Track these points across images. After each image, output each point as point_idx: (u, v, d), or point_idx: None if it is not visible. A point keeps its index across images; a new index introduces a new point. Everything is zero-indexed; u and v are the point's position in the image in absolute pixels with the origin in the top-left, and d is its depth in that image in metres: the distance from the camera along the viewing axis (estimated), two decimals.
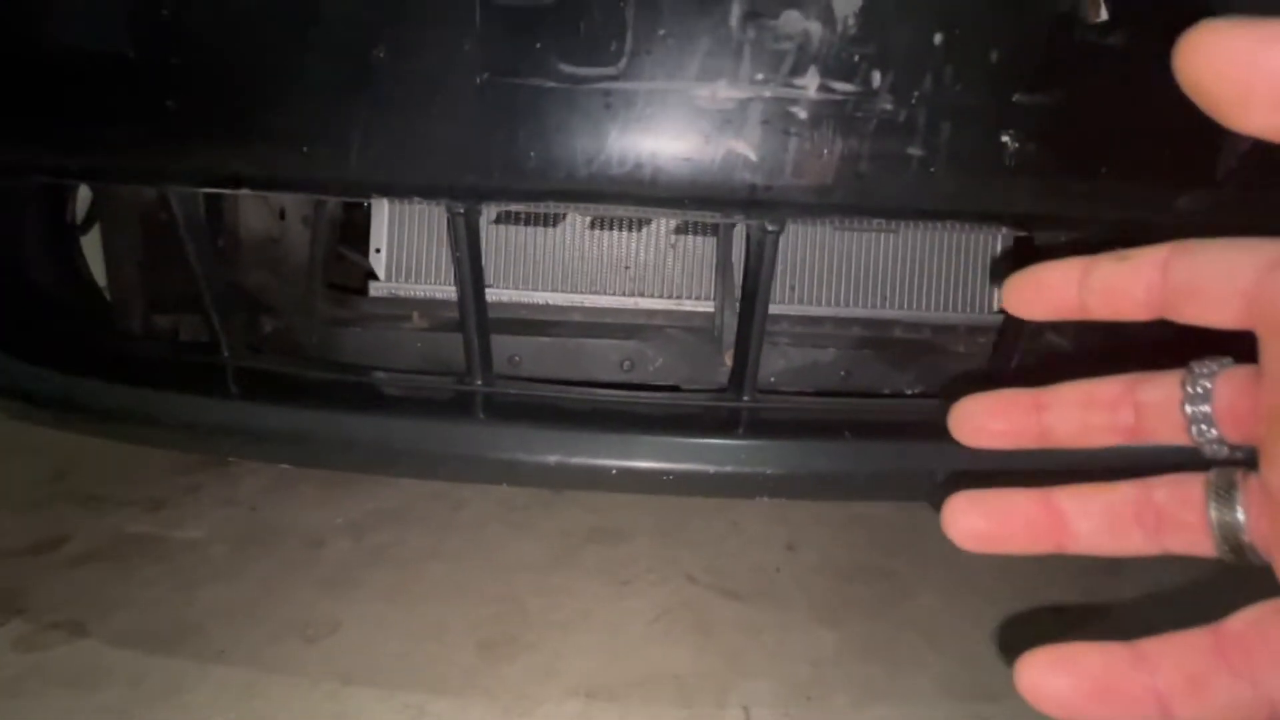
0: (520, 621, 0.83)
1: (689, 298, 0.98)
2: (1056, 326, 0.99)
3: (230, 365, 0.61)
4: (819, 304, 0.98)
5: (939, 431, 0.64)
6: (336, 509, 1.05)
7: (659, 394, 0.64)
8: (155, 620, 0.80)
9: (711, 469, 0.55)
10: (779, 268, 0.95)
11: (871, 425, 0.60)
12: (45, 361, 0.65)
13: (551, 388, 0.64)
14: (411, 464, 0.62)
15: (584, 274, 0.97)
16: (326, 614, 0.82)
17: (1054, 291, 0.23)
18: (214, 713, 0.68)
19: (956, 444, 0.59)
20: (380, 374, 0.65)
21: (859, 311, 0.96)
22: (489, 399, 0.60)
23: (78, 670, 0.72)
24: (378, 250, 0.95)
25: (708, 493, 0.73)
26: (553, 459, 0.55)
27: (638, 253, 0.99)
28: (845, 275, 0.99)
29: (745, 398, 0.62)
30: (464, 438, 0.56)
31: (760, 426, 0.58)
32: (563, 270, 0.97)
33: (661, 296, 0.97)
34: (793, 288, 0.98)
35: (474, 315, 0.59)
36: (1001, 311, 0.96)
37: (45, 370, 0.63)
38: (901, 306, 0.97)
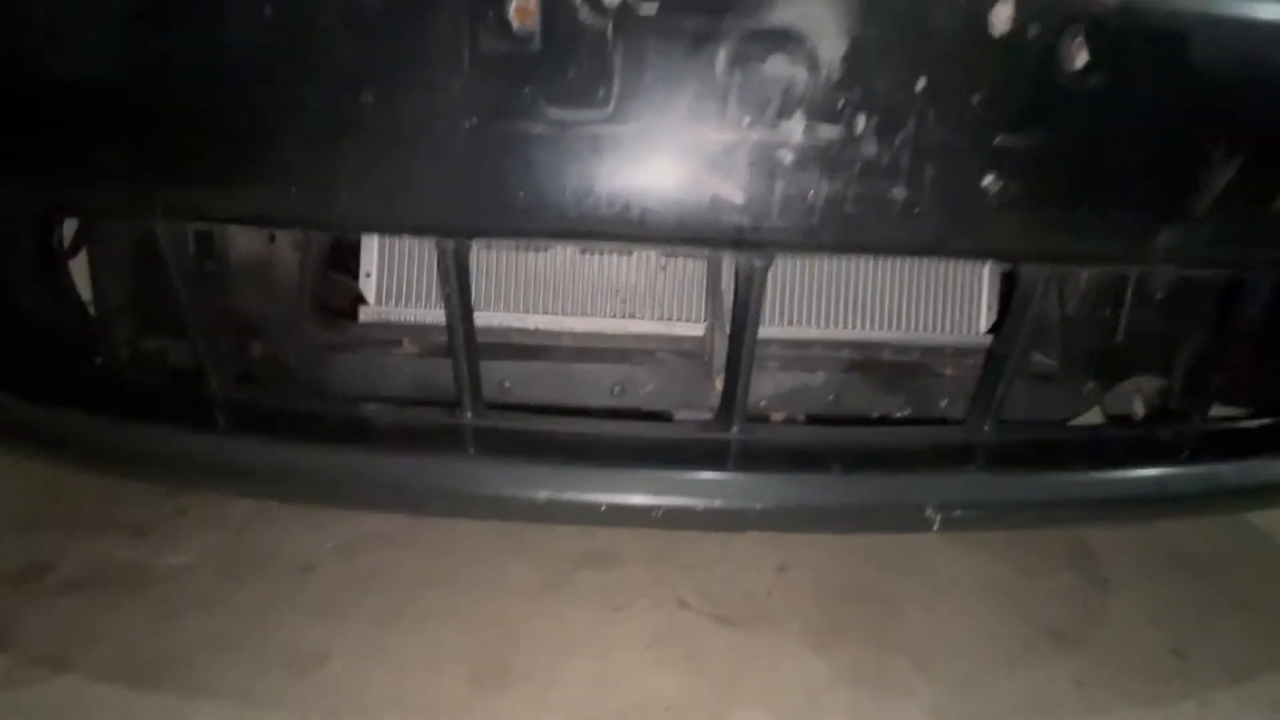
0: (512, 648, 0.82)
1: (679, 320, 0.98)
2: (1044, 348, 1.00)
3: (217, 399, 0.61)
4: (809, 325, 0.98)
5: (927, 462, 0.65)
6: (327, 532, 1.04)
7: (648, 424, 0.64)
8: (140, 653, 0.79)
9: (700, 504, 0.55)
10: (769, 290, 0.96)
11: (860, 456, 0.60)
12: (29, 395, 0.64)
13: (541, 419, 0.64)
14: (401, 501, 0.62)
15: (575, 297, 0.97)
16: (315, 643, 0.81)
17: None
18: None
19: (944, 476, 0.59)
20: (369, 406, 0.64)
21: (848, 333, 0.97)
22: (479, 432, 0.60)
23: (60, 707, 0.71)
24: (368, 274, 0.95)
25: (697, 527, 0.73)
26: (543, 495, 0.55)
27: (628, 275, 1.00)
28: (834, 297, 0.99)
29: (734, 428, 0.62)
30: (454, 474, 0.56)
31: (749, 459, 0.58)
32: (553, 293, 0.97)
33: (652, 319, 0.97)
34: (782, 310, 0.99)
35: (464, 348, 0.59)
36: (990, 333, 0.97)
37: (28, 404, 0.63)
38: (891, 327, 0.98)
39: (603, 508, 0.55)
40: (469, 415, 0.62)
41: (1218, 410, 0.78)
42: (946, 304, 0.98)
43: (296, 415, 0.62)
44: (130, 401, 0.64)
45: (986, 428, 0.64)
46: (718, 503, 0.56)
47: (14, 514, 1.06)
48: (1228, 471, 0.65)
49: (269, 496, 0.81)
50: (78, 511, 1.06)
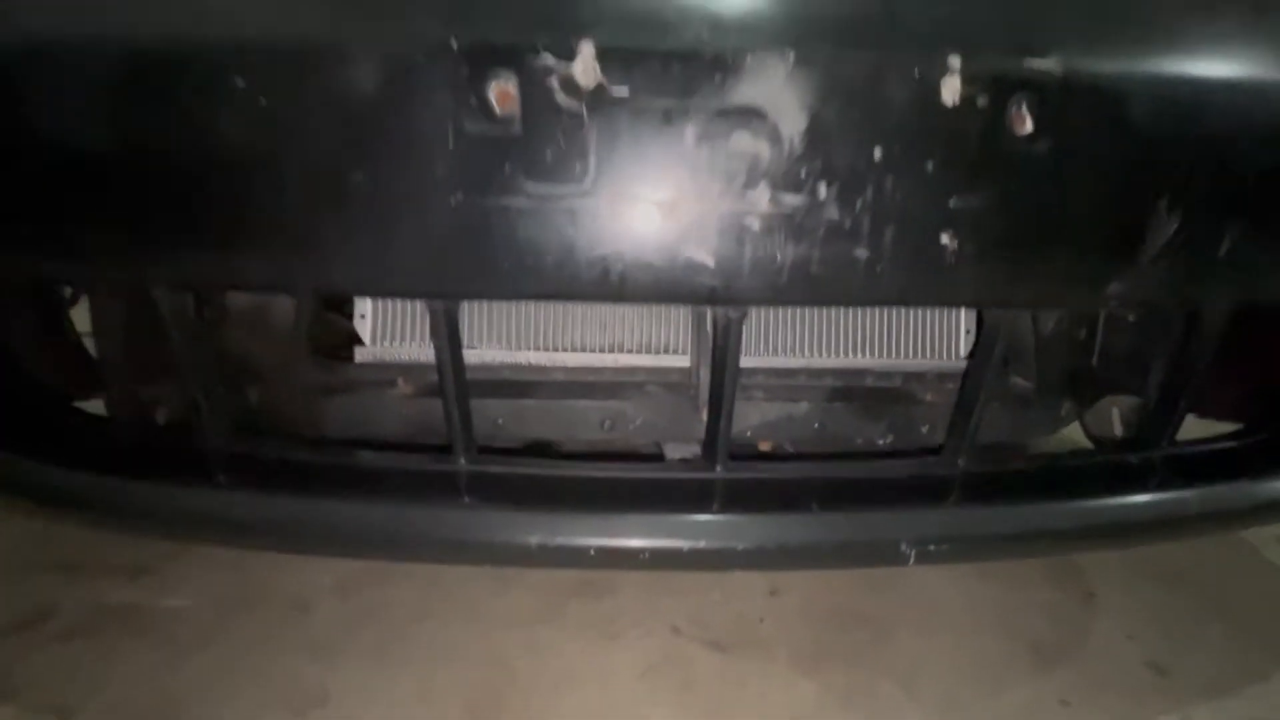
0: (508, 682, 0.84)
1: (666, 352, 1.00)
2: (1023, 368, 1.03)
3: (215, 453, 0.63)
4: (792, 355, 1.01)
5: (902, 497, 0.67)
6: (324, 567, 1.06)
7: (635, 465, 0.67)
8: (140, 697, 0.80)
9: (686, 545, 0.57)
10: (752, 321, 0.99)
11: (839, 493, 0.63)
12: (26, 451, 0.66)
13: (532, 463, 0.67)
14: (397, 550, 0.64)
15: (564, 332, 1.00)
16: (314, 683, 0.83)
17: None
18: None
19: (920, 512, 0.62)
20: (364, 454, 0.67)
21: (831, 362, 1.00)
22: (472, 478, 0.63)
23: None
24: (362, 316, 0.97)
25: (682, 567, 0.75)
26: (534, 540, 0.57)
27: (615, 311, 1.02)
28: (817, 326, 1.02)
29: (718, 468, 0.64)
30: (447, 523, 0.58)
31: (731, 501, 0.60)
32: (543, 329, 1.00)
33: (640, 352, 1.00)
34: (765, 340, 1.01)
35: (456, 397, 0.62)
36: (968, 357, 1.00)
37: (26, 460, 0.65)
38: (872, 354, 1.01)
39: (592, 551, 0.57)
40: (461, 461, 0.64)
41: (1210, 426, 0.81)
42: (926, 330, 1.01)
43: (293, 466, 0.64)
44: (128, 457, 0.66)
45: (960, 461, 0.67)
46: (702, 544, 0.58)
47: (9, 560, 1.07)
48: (1193, 498, 0.68)
49: (267, 548, 0.83)
50: (73, 555, 1.07)
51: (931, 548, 0.59)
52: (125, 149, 0.48)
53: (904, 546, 0.59)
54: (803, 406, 0.94)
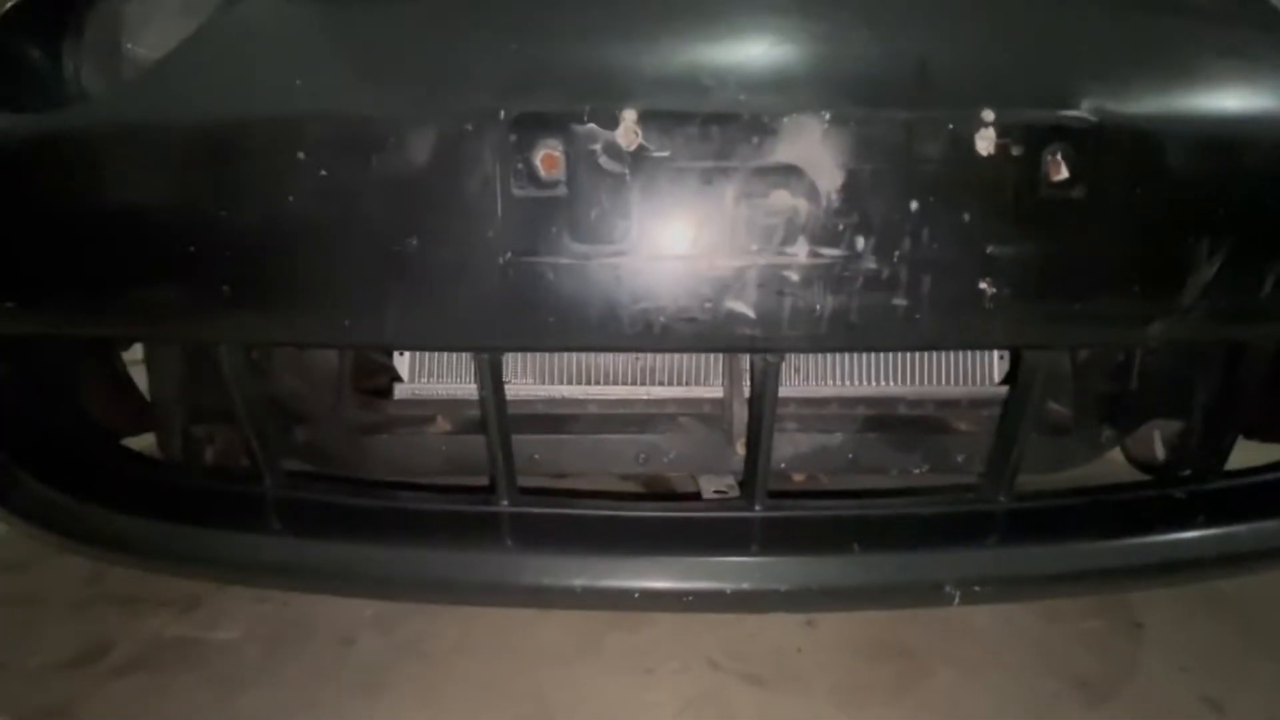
0: (547, 719, 0.85)
1: (699, 383, 1.02)
2: (1061, 395, 1.02)
3: (270, 498, 0.66)
4: (824, 383, 1.01)
5: (944, 536, 0.67)
6: (366, 600, 1.08)
7: (677, 504, 0.68)
8: None
9: (728, 588, 0.58)
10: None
11: (880, 532, 0.63)
12: (79, 493, 0.69)
13: (573, 503, 0.68)
14: (443, 594, 0.65)
15: (598, 366, 1.01)
16: (361, 718, 0.84)
17: None
18: None
19: (962, 552, 0.62)
20: (412, 495, 0.69)
21: (864, 390, 1.00)
22: (515, 520, 0.64)
23: None
24: (401, 354, 1.00)
25: (724, 609, 0.75)
26: (579, 584, 0.58)
27: None
28: (849, 354, 1.02)
29: (757, 507, 0.65)
30: (490, 566, 0.60)
31: (771, 541, 0.61)
32: (576, 362, 1.02)
33: (673, 384, 1.01)
34: (798, 369, 1.02)
35: (499, 441, 0.64)
36: (1004, 383, 1.00)
37: (78, 503, 0.68)
38: (905, 382, 1.01)
39: (636, 594, 0.58)
40: (504, 503, 0.66)
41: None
42: (959, 357, 1.01)
43: (342, 510, 0.66)
44: (181, 501, 0.68)
45: (1001, 497, 0.67)
46: (745, 586, 0.59)
47: (65, 595, 1.11)
48: (1246, 533, 0.66)
49: (317, 591, 0.85)
50: (125, 589, 1.11)
51: (976, 588, 0.59)
52: (195, 222, 0.51)
53: (948, 588, 0.59)
54: (836, 437, 0.94)
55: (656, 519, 0.64)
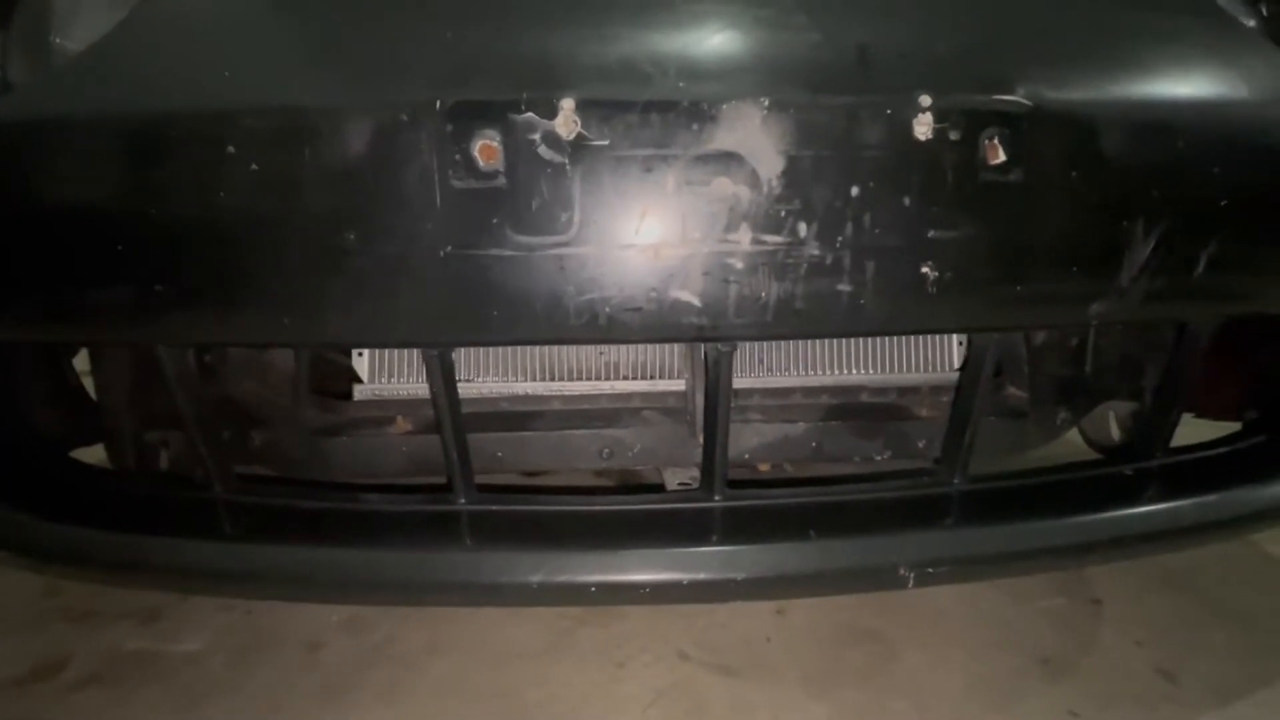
0: (519, 716, 0.84)
1: (662, 377, 1.01)
2: (1017, 379, 1.04)
3: (221, 504, 0.64)
4: (786, 373, 1.01)
5: (899, 520, 0.68)
6: (333, 606, 1.06)
7: (634, 497, 0.67)
8: None
9: (685, 578, 0.58)
10: (748, 345, 1.00)
11: (836, 518, 0.64)
12: (28, 507, 0.67)
13: (530, 499, 0.67)
14: (402, 595, 0.64)
15: (561, 361, 1.01)
16: None
17: None
18: None
19: (916, 535, 0.63)
20: (369, 497, 0.68)
21: (826, 379, 1.00)
22: (472, 519, 0.63)
23: None
24: (360, 354, 0.98)
25: (683, 600, 0.75)
26: (535, 580, 0.58)
27: None
28: (810, 343, 1.02)
29: (716, 497, 0.65)
30: (449, 566, 0.59)
31: (730, 530, 0.61)
32: (539, 359, 1.01)
33: (636, 378, 1.01)
34: (761, 360, 1.02)
35: (454, 441, 0.63)
36: (961, 369, 1.01)
37: (28, 517, 0.66)
38: (866, 370, 1.01)
39: (593, 588, 0.58)
40: (461, 501, 0.65)
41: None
42: (919, 344, 1.02)
43: (298, 514, 0.65)
44: (132, 511, 0.67)
45: (956, 480, 0.68)
46: (702, 576, 0.59)
47: (19, 610, 1.08)
48: (1190, 507, 0.68)
49: (275, 598, 0.84)
50: (83, 602, 1.08)
51: (930, 570, 0.59)
52: (124, 217, 0.50)
53: (902, 570, 0.59)
54: (799, 426, 0.94)
55: (613, 512, 0.64)
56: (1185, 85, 0.54)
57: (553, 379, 0.99)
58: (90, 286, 0.52)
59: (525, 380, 0.99)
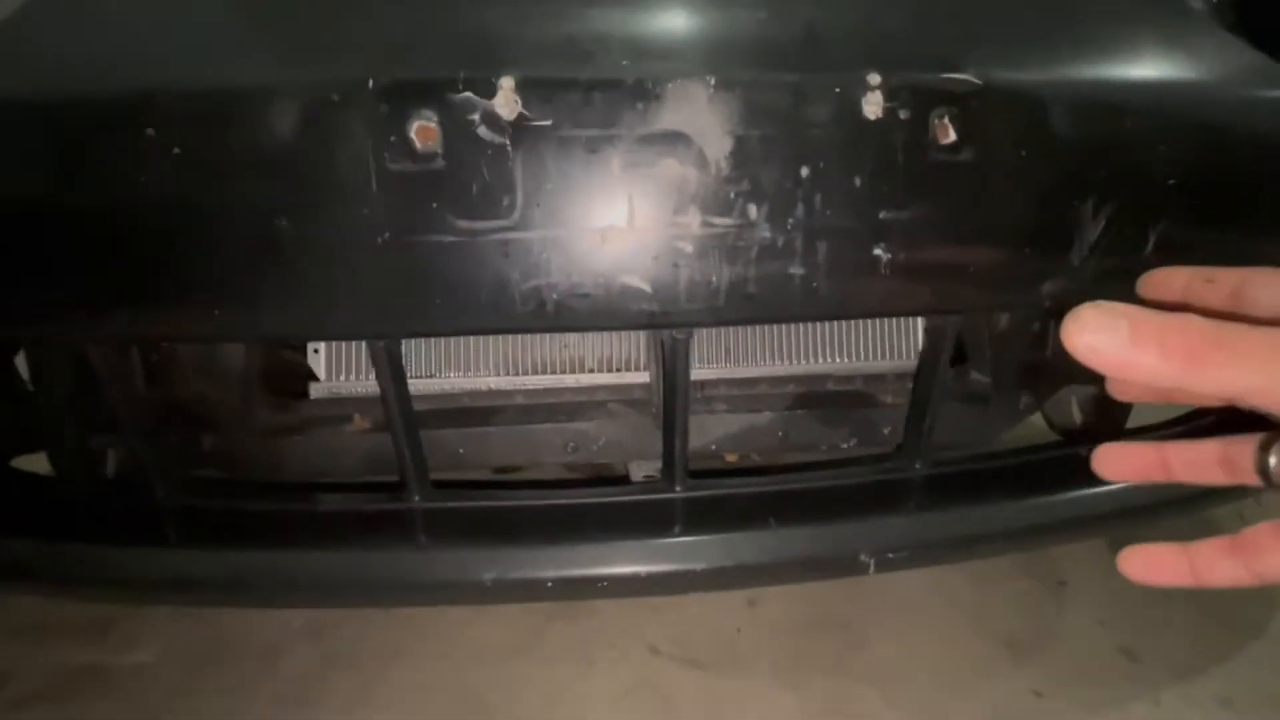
0: (483, 718, 0.83)
1: (627, 369, 1.00)
2: (980, 365, 1.04)
3: (162, 507, 0.61)
4: (751, 364, 1.01)
5: (859, 506, 0.67)
6: (294, 611, 1.03)
7: (590, 490, 0.66)
8: None
9: (644, 570, 0.57)
10: (714, 333, 0.99)
11: (796, 506, 0.63)
12: None
13: (487, 495, 0.66)
14: (355, 597, 0.62)
15: (523, 354, 0.99)
16: None
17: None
18: None
19: (877, 521, 0.62)
20: (318, 498, 0.65)
21: (791, 368, 1.00)
22: (427, 516, 0.62)
23: None
24: (315, 351, 0.95)
25: (642, 593, 0.74)
26: (488, 577, 0.56)
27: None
28: (775, 332, 1.02)
29: (676, 488, 0.64)
30: (401, 565, 0.57)
31: (689, 521, 0.60)
32: (501, 352, 0.99)
33: (600, 370, 0.99)
34: (727, 350, 1.01)
35: (405, 435, 0.61)
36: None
37: None
38: (832, 359, 1.01)
39: (549, 583, 0.57)
40: (416, 499, 0.63)
41: None
42: (883, 331, 1.02)
43: (245, 517, 0.62)
44: (71, 519, 0.64)
45: (917, 465, 0.67)
46: (661, 567, 0.58)
47: None
48: (1142, 487, 0.69)
49: (225, 605, 0.81)
50: (27, 618, 1.03)
51: (890, 555, 0.59)
52: (42, 205, 0.47)
53: (863, 556, 0.59)
54: (765, 416, 0.94)
55: (570, 506, 0.62)
56: (1134, 65, 0.54)
57: (515, 373, 0.97)
58: (6, 279, 0.49)
59: (487, 375, 0.97)
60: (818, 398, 0.96)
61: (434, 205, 0.46)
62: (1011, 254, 0.53)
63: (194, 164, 0.45)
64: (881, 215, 0.49)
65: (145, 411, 0.63)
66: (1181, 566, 0.31)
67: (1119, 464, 0.35)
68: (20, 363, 0.90)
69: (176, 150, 0.44)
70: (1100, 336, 0.25)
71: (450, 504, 0.63)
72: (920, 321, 1.01)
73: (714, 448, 0.92)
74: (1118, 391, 0.33)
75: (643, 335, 0.97)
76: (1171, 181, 0.53)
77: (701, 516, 0.60)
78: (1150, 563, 0.32)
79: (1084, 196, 0.52)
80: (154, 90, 0.45)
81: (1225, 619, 0.98)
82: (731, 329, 0.98)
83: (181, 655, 0.95)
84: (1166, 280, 0.34)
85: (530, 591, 0.57)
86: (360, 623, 1.00)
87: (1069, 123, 0.50)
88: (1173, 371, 0.24)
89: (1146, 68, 0.56)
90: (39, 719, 0.85)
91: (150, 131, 0.44)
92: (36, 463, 0.87)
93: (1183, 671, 0.87)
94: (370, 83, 0.44)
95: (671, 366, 0.59)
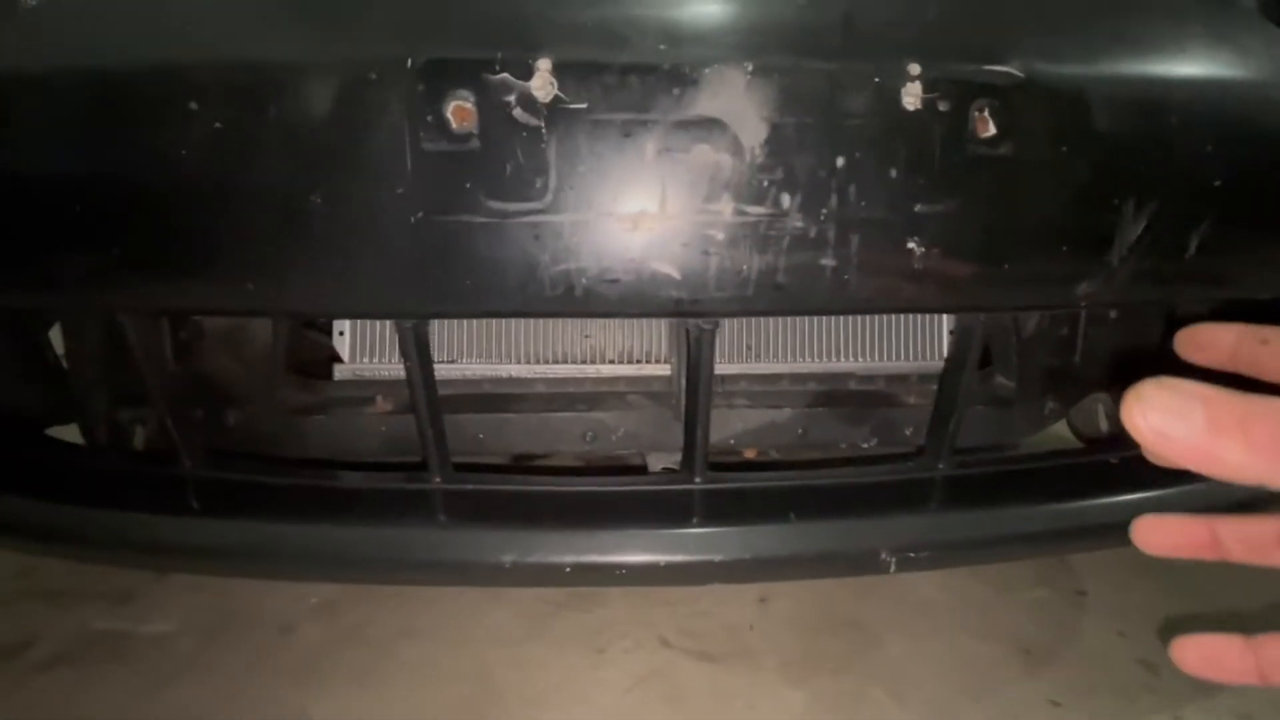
0: (492, 701, 0.83)
1: (648, 361, 1.00)
2: (1005, 368, 1.03)
3: (190, 480, 0.62)
4: (774, 360, 1.00)
5: (881, 504, 0.67)
6: (309, 587, 1.05)
7: (611, 478, 0.66)
8: None
9: (663, 560, 0.57)
10: (734, 328, 0.99)
11: (818, 501, 0.62)
12: (5, 485, 0.65)
13: (508, 479, 0.66)
14: (372, 573, 0.63)
15: (545, 343, 0.99)
16: (295, 708, 0.81)
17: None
18: None
19: (899, 519, 0.61)
20: (340, 475, 0.66)
21: (814, 366, 0.99)
22: (447, 497, 0.62)
23: None
24: (340, 333, 0.96)
25: (660, 583, 0.74)
26: (507, 560, 0.56)
27: (596, 319, 1.01)
28: (799, 329, 1.01)
29: (696, 479, 0.64)
30: (421, 543, 0.57)
31: (709, 512, 0.60)
32: (524, 341, 0.99)
33: (621, 362, 0.99)
34: (749, 346, 1.01)
35: (429, 416, 0.61)
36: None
37: (6, 495, 0.64)
38: (855, 358, 1.00)
39: (568, 569, 0.57)
40: (437, 479, 0.63)
41: None
42: (908, 332, 1.01)
43: (267, 490, 0.63)
44: (101, 487, 0.65)
45: (941, 465, 0.66)
46: (680, 558, 0.58)
47: None
48: (1175, 495, 0.68)
49: (244, 575, 0.82)
50: (57, 582, 1.06)
51: (912, 555, 0.58)
52: (82, 175, 0.48)
53: (884, 555, 0.58)
54: (786, 413, 0.93)
55: (591, 493, 0.62)
56: (1180, 62, 0.53)
57: (537, 362, 0.97)
58: (45, 248, 0.50)
59: (509, 362, 0.97)
60: (839, 396, 0.96)
61: (467, 185, 0.46)
62: (1048, 252, 0.52)
63: (232, 138, 0.46)
64: (917, 208, 0.48)
65: (173, 386, 0.64)
66: (1247, 663, 0.27)
67: (1161, 538, 0.30)
68: (55, 338, 0.92)
69: (216, 124, 0.45)
70: (1169, 421, 0.21)
71: (471, 486, 0.63)
72: (945, 323, 1.00)
73: (733, 442, 0.92)
74: (1158, 459, 0.26)
75: (665, 328, 0.97)
76: (1216, 183, 0.52)
77: (721, 508, 0.60)
78: (1208, 657, 0.28)
79: (1125, 195, 0.51)
80: (195, 65, 0.45)
81: (1248, 633, 0.95)
82: (755, 324, 0.98)
83: (199, 626, 0.97)
84: (1212, 339, 0.30)
85: (548, 576, 0.57)
86: (372, 603, 1.01)
87: (1111, 119, 0.49)
88: (1263, 467, 0.20)
89: (1193, 64, 0.54)
90: (58, 682, 0.87)
91: (193, 104, 0.45)
92: (69, 433, 0.89)
93: (1203, 685, 0.85)
94: (409, 62, 0.44)
95: (696, 356, 0.59)
